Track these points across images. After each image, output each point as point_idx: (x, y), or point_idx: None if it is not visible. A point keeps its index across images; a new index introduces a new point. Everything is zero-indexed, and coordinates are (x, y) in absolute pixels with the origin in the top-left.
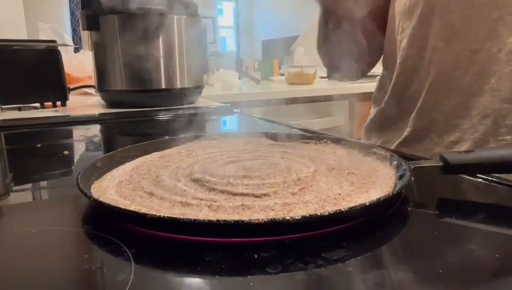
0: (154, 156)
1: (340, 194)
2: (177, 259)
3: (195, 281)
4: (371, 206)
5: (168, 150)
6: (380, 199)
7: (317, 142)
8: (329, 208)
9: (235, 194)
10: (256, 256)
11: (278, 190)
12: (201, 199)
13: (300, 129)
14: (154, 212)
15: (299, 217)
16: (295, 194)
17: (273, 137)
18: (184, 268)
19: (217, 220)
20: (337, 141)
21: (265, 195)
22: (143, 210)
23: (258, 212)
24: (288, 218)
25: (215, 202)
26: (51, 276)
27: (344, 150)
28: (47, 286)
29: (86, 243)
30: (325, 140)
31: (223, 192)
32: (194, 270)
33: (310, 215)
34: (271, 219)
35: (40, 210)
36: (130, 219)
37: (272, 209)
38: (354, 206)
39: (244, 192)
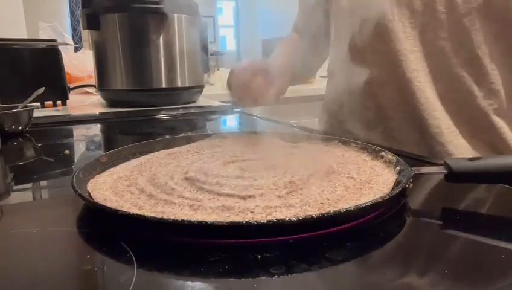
0: (163, 153)
1: (328, 199)
2: (180, 260)
3: (198, 282)
4: (344, 214)
5: (178, 147)
6: (351, 208)
7: (328, 143)
8: (311, 213)
9: (220, 195)
10: (259, 257)
11: (265, 192)
12: (186, 198)
13: (304, 129)
14: (137, 210)
15: (264, 222)
16: (281, 197)
17: (285, 137)
18: (187, 269)
19: (192, 220)
20: (347, 143)
21: (250, 197)
22: (125, 207)
23: (237, 214)
24: (253, 222)
25: (198, 201)
26: (52, 277)
27: (353, 153)
28: (48, 287)
29: (87, 244)
30: (336, 141)
31: (209, 192)
32: (197, 271)
33: (254, 221)
34: (231, 222)
35: (41, 210)
36: (109, 216)
37: (251, 212)
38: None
39: (230, 193)
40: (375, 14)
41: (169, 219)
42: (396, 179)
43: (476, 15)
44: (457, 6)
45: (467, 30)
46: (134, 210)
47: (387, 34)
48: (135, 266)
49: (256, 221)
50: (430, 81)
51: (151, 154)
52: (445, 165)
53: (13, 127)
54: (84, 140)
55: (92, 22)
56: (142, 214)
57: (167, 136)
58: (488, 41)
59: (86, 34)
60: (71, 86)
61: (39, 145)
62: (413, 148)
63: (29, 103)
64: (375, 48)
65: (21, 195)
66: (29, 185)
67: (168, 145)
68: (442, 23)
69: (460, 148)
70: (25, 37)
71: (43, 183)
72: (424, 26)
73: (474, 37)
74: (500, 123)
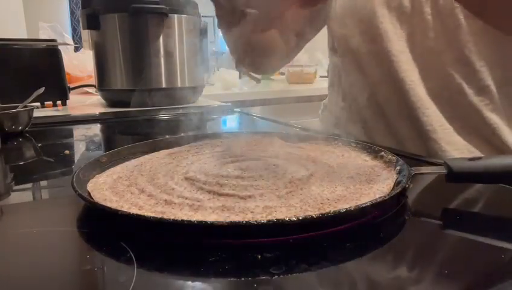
0: (163, 153)
1: (328, 199)
2: (180, 260)
3: (198, 282)
4: (344, 214)
5: (178, 147)
6: (351, 208)
7: (328, 143)
8: (311, 213)
9: (220, 195)
10: (259, 257)
11: (265, 192)
12: (186, 198)
13: (304, 129)
14: (137, 210)
15: (264, 222)
16: (281, 197)
17: (285, 137)
18: (187, 269)
19: (182, 219)
20: (347, 143)
21: (250, 197)
22: (125, 207)
23: (237, 214)
24: (253, 222)
25: (198, 201)
26: (52, 277)
27: (353, 153)
28: (48, 287)
29: (87, 244)
30: (336, 141)
31: (209, 192)
32: (197, 271)
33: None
34: (232, 222)
35: (41, 210)
36: (109, 216)
37: (251, 212)
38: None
39: (230, 193)
40: (367, 17)
41: (169, 219)
42: (396, 179)
43: (460, 15)
44: (441, 8)
45: (452, 30)
46: (134, 210)
47: (379, 35)
48: (135, 266)
49: (256, 221)
50: (421, 80)
51: (151, 154)
52: (445, 165)
53: (13, 127)
54: (84, 140)
55: (92, 22)
56: (142, 214)
57: (167, 136)
58: (474, 39)
59: (86, 34)
60: (71, 86)
61: (39, 145)
62: (411, 146)
63: (29, 103)
64: (368, 48)
65: (21, 195)
66: (29, 185)
67: (168, 145)
68: (430, 24)
69: (455, 145)
70: (25, 37)
71: (43, 183)
72: (413, 28)
73: (460, 36)
74: (494, 119)
